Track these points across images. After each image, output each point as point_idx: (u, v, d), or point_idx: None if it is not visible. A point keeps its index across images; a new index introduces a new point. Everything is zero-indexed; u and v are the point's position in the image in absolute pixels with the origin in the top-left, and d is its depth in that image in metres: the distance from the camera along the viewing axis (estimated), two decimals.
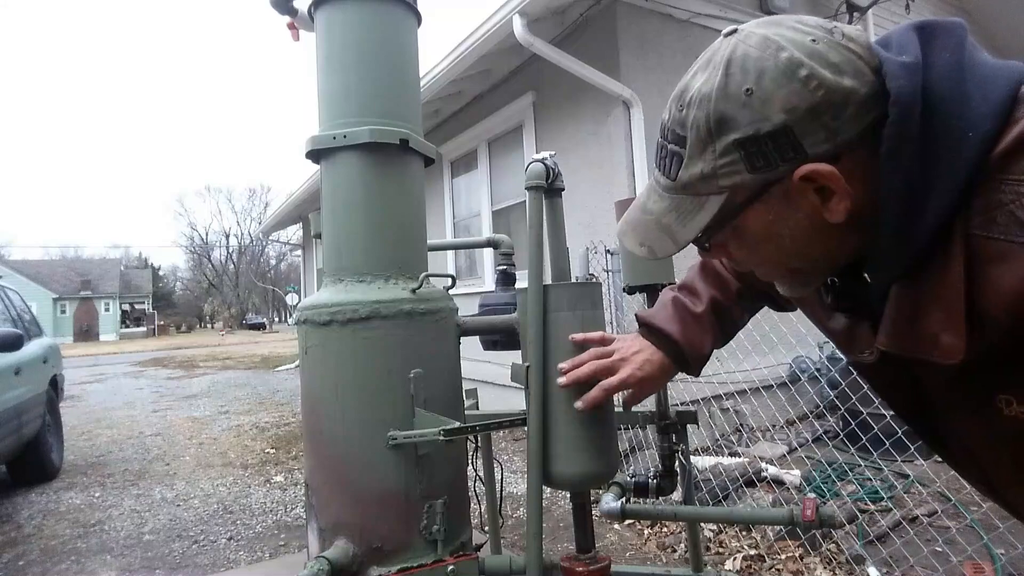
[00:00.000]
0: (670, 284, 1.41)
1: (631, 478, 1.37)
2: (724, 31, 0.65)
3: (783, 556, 2.66)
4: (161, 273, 69.11)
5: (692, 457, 2.49)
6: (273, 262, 62.27)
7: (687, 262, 1.13)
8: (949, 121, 0.56)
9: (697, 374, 1.06)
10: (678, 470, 1.40)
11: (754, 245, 0.68)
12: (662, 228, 0.70)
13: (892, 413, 0.85)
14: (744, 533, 2.91)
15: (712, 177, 0.63)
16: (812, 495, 2.64)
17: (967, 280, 0.56)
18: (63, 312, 46.28)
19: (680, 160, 0.65)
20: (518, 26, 4.21)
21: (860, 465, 3.28)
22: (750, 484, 3.26)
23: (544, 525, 1.51)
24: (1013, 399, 0.59)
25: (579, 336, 1.08)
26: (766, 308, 1.06)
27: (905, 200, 0.58)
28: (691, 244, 0.72)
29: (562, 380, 1.05)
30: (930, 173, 0.57)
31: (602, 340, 1.07)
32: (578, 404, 1.04)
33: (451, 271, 6.25)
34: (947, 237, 0.57)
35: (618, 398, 1.12)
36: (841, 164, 0.59)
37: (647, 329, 1.06)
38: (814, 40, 0.59)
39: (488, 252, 6.08)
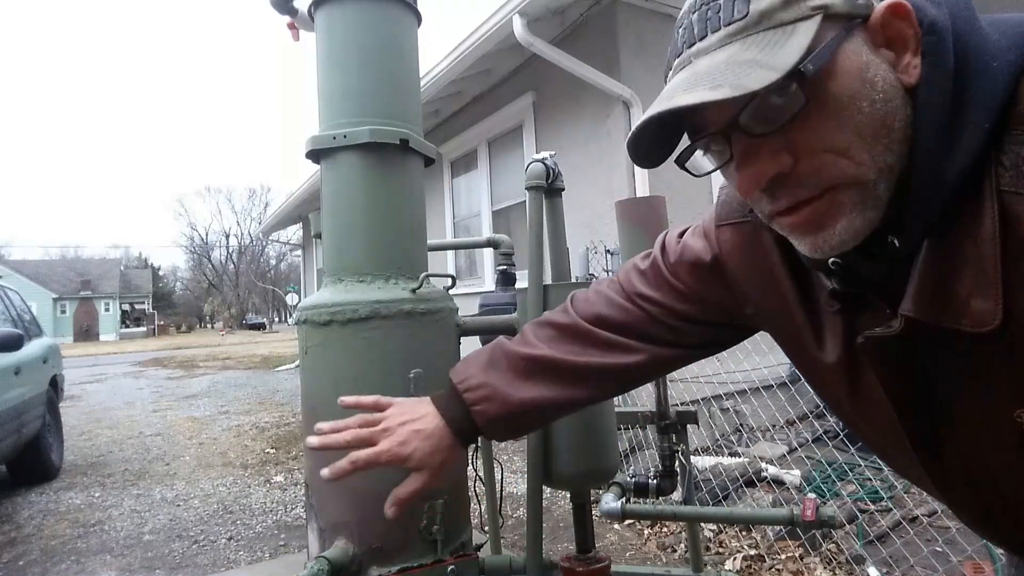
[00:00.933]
0: None
1: (631, 478, 1.37)
2: None
3: (783, 556, 2.66)
4: (161, 273, 69.17)
5: (692, 457, 2.50)
6: (273, 262, 62.35)
7: None
8: (973, 53, 0.54)
9: (496, 437, 0.86)
10: (678, 470, 1.41)
11: (848, 103, 0.54)
12: (743, 63, 0.53)
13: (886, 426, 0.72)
14: (744, 533, 2.91)
15: None
16: (812, 495, 2.64)
17: (1001, 239, 0.50)
18: (63, 312, 46.31)
19: None
20: (518, 26, 4.21)
21: (860, 465, 3.28)
22: (750, 484, 3.26)
23: (544, 525, 1.51)
24: None
25: (349, 400, 0.88)
26: None
27: (940, 133, 0.54)
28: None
29: (312, 441, 0.83)
30: (962, 106, 0.53)
31: (375, 405, 0.88)
32: (324, 472, 0.82)
33: (451, 271, 6.25)
34: (977, 193, 0.52)
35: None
36: None
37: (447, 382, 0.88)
38: None
39: (488, 252, 6.08)
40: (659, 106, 0.57)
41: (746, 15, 0.54)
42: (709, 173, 0.65)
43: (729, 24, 0.55)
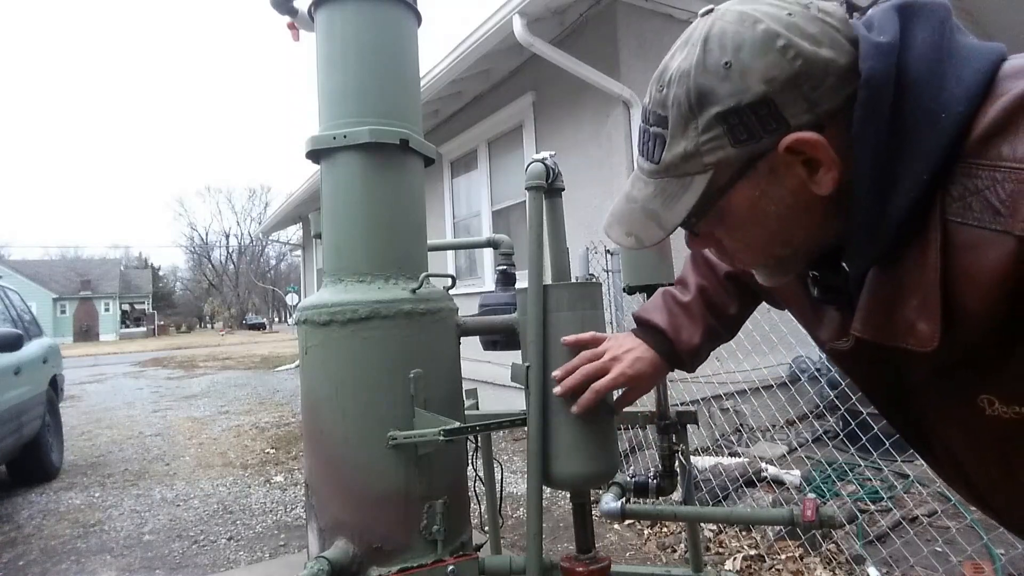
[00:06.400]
0: (670, 284, 1.41)
1: (631, 478, 1.37)
2: (700, 12, 0.64)
3: (783, 556, 2.66)
4: (161, 273, 69.09)
5: (692, 457, 2.49)
6: (273, 262, 62.30)
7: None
8: (922, 103, 0.55)
9: (691, 369, 1.05)
10: (678, 470, 1.40)
11: (740, 227, 0.67)
12: (648, 215, 0.68)
13: (873, 410, 0.83)
14: (744, 533, 2.91)
15: (696, 155, 0.62)
16: (812, 495, 2.64)
17: (943, 267, 0.55)
18: (63, 312, 46.26)
19: (663, 142, 0.64)
20: (518, 26, 4.21)
21: (860, 465, 3.28)
22: (750, 484, 3.26)
23: (544, 525, 1.50)
24: (995, 399, 0.58)
25: (570, 339, 1.08)
26: (765, 308, 1.05)
27: (876, 182, 0.57)
28: (680, 229, 0.71)
29: (557, 390, 1.05)
30: (901, 155, 0.56)
31: (593, 340, 1.07)
32: (573, 409, 1.04)
33: (451, 271, 6.25)
34: (924, 223, 0.56)
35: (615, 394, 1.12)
36: (826, 134, 0.59)
37: (638, 324, 1.08)
38: (790, 14, 0.59)
39: (488, 252, 6.08)
40: (605, 226, 0.74)
41: (659, 160, 0.66)
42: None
43: (652, 162, 0.67)
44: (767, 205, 0.63)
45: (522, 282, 1.18)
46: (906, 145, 0.56)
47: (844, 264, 0.65)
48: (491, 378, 4.35)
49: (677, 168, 0.64)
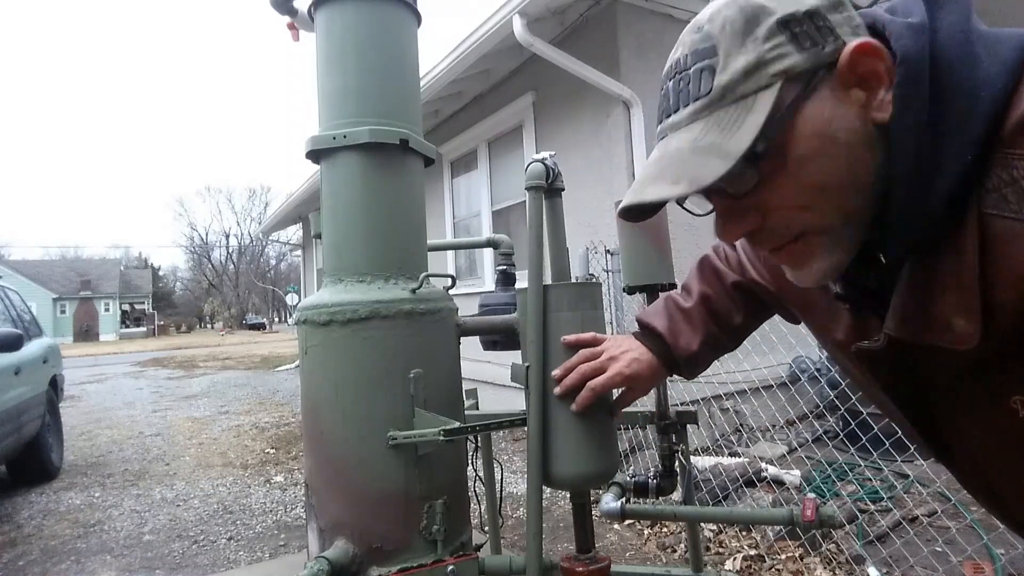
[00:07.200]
0: (670, 284, 1.41)
1: (631, 478, 1.37)
2: None
3: (783, 556, 2.66)
4: (161, 273, 69.12)
5: (692, 457, 2.49)
6: (273, 262, 62.30)
7: (689, 261, 1.13)
8: (959, 81, 0.54)
9: (690, 376, 1.05)
10: (678, 470, 1.40)
11: (810, 159, 0.57)
12: (701, 151, 0.58)
13: (873, 410, 0.80)
14: (744, 533, 2.91)
15: (760, 66, 0.57)
16: (812, 495, 2.64)
17: (981, 261, 0.53)
18: (63, 312, 46.27)
19: (712, 70, 0.59)
20: (518, 26, 4.21)
21: (860, 465, 3.28)
22: (750, 484, 3.26)
23: (544, 525, 1.51)
24: None
25: (570, 338, 1.08)
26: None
27: (918, 163, 0.55)
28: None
29: (557, 391, 1.06)
30: (942, 135, 0.54)
31: (593, 340, 1.07)
32: (572, 407, 1.05)
33: (451, 271, 6.25)
34: (961, 216, 0.54)
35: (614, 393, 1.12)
36: None
37: (638, 326, 1.08)
38: None
39: (488, 252, 6.08)
40: (632, 197, 0.63)
41: (710, 91, 0.59)
42: (708, 213, 0.71)
43: (697, 99, 0.60)
44: (836, 129, 0.57)
45: (522, 282, 1.18)
46: (947, 124, 0.54)
47: (880, 255, 0.62)
48: (491, 378, 4.35)
49: (736, 89, 0.58)
